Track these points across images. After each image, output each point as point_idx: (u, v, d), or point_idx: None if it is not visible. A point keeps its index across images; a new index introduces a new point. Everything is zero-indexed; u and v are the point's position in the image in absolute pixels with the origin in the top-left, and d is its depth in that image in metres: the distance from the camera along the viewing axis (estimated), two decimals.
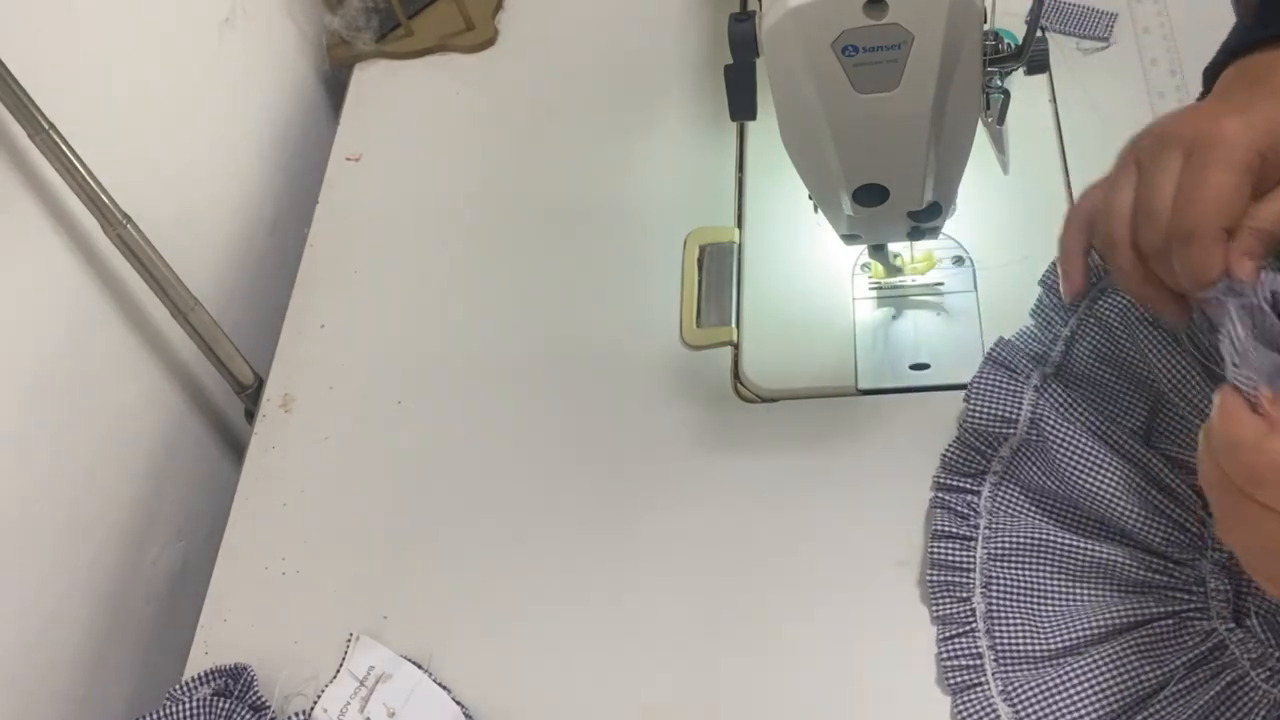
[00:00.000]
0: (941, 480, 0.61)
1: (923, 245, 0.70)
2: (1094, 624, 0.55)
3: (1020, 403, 0.59)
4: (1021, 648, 0.56)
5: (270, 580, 0.67)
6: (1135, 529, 0.56)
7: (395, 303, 0.77)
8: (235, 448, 0.84)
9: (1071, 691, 0.54)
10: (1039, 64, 0.55)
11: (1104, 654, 0.54)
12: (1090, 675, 0.54)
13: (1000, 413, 0.59)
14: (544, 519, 0.66)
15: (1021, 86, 0.73)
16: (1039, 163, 0.73)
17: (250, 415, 0.77)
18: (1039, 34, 0.54)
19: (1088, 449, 0.57)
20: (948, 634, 0.57)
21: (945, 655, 0.57)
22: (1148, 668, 0.53)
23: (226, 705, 0.60)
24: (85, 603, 0.69)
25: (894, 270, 0.69)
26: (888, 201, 0.58)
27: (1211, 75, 0.55)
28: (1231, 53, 0.54)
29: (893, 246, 0.69)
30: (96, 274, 0.70)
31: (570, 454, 0.68)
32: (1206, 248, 0.47)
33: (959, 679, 0.56)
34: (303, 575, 0.67)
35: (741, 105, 0.55)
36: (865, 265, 0.71)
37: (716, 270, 0.74)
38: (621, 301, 0.74)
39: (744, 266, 0.73)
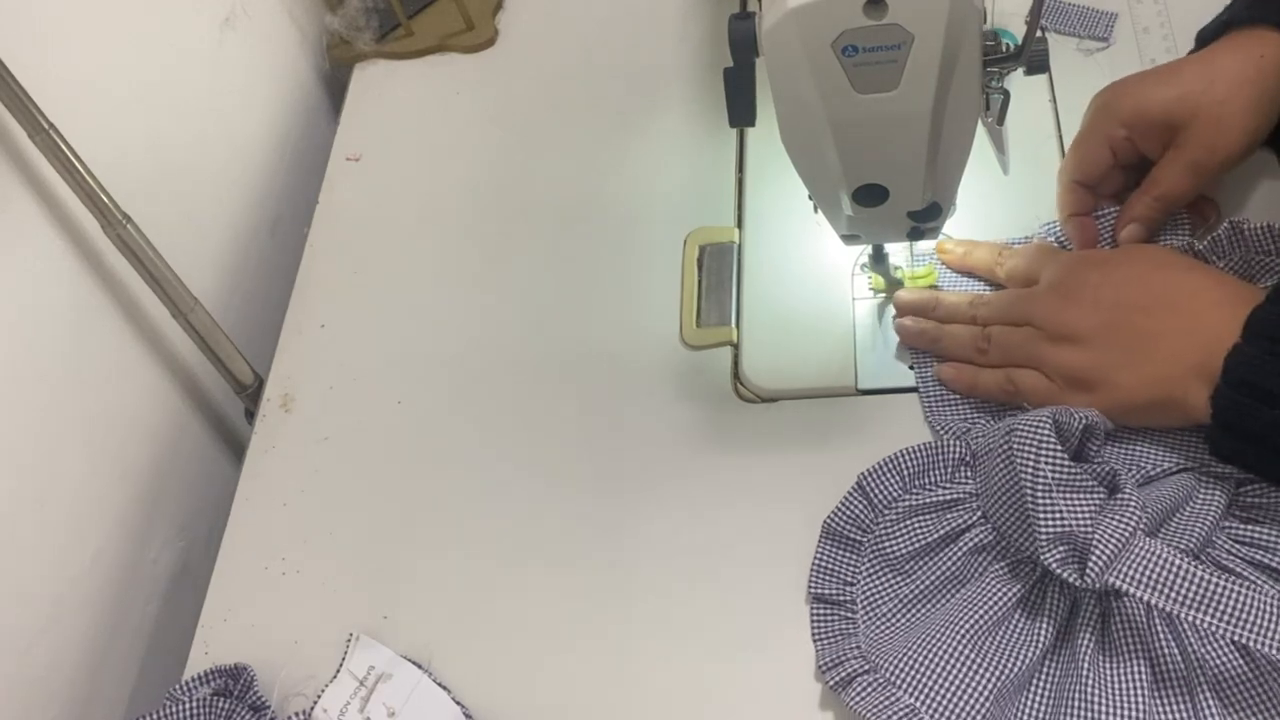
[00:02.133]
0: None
1: (925, 258, 0.70)
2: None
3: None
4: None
5: (270, 580, 0.67)
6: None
7: (395, 303, 0.77)
8: (235, 448, 0.84)
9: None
10: (1039, 64, 0.55)
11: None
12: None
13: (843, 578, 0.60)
14: (544, 518, 0.66)
15: (1021, 86, 0.73)
16: (1039, 163, 0.73)
17: (250, 415, 0.77)
18: (1039, 34, 0.54)
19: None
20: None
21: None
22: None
23: (226, 705, 0.60)
24: (85, 602, 0.69)
25: (895, 284, 0.69)
26: (888, 201, 0.58)
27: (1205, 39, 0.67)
28: (1226, 23, 0.65)
29: (894, 259, 0.69)
30: (96, 274, 0.70)
31: (570, 454, 0.68)
32: (1061, 192, 0.68)
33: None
34: (303, 575, 0.67)
35: (741, 111, 0.55)
36: (865, 266, 0.71)
37: (716, 270, 0.74)
38: (621, 301, 0.74)
39: (744, 266, 0.73)
